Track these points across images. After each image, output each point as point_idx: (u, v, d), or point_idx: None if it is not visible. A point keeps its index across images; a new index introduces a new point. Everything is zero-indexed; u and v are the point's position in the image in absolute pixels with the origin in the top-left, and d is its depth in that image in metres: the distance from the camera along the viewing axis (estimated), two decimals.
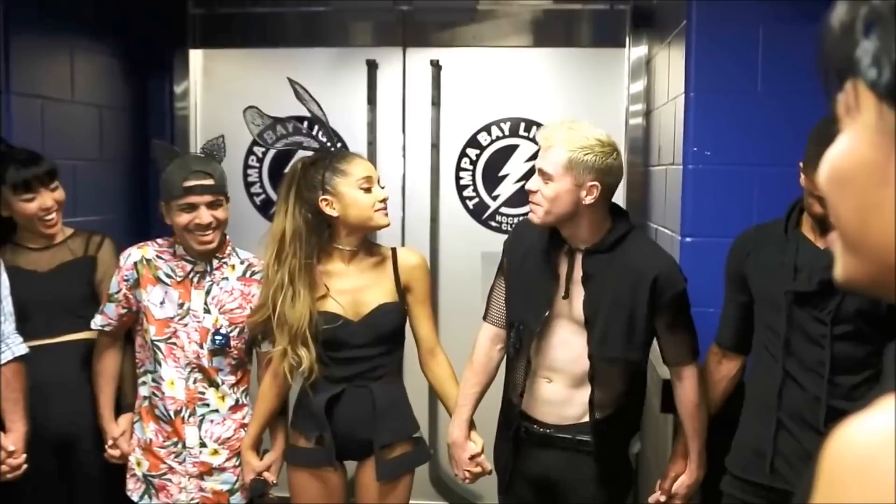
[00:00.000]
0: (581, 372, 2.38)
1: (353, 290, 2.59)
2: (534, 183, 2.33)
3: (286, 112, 4.05)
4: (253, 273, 2.71)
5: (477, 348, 2.60)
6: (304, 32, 4.08)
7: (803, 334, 2.23)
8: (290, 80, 2.81)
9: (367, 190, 2.54)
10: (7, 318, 2.57)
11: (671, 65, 3.23)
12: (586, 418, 2.40)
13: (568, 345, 2.39)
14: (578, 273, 2.37)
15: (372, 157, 3.91)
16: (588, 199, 2.27)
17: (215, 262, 2.67)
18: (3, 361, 2.54)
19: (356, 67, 4.00)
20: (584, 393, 2.39)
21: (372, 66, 3.98)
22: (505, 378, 2.55)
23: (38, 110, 3.21)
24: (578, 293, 2.36)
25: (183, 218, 2.56)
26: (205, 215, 2.56)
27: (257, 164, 4.10)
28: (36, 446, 2.67)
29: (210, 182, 2.57)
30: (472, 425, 2.61)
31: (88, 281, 2.87)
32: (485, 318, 2.61)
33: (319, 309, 2.55)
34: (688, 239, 2.90)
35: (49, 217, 2.78)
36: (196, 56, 4.11)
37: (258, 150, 4.08)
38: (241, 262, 2.72)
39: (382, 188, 2.60)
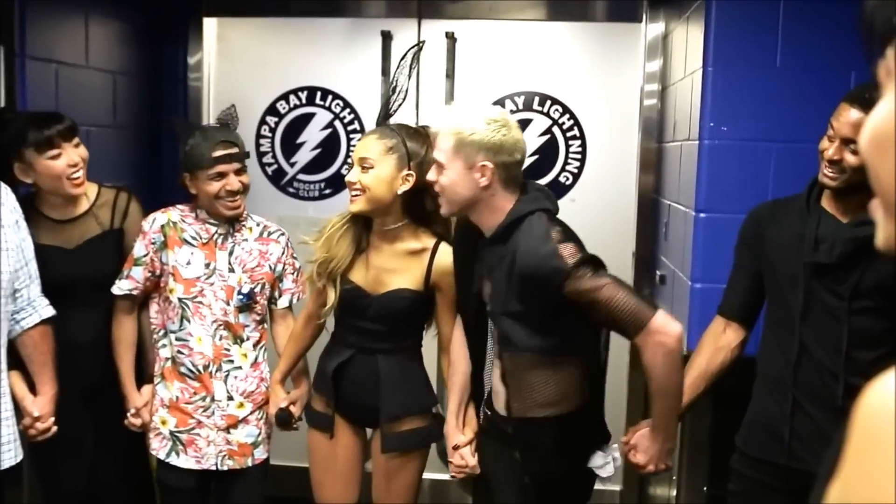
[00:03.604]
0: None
1: (380, 268, 2.61)
2: (431, 174, 2.24)
3: (300, 82, 4.08)
4: (269, 234, 2.84)
5: (454, 338, 2.54)
6: (319, 2, 4.04)
7: (821, 308, 2.20)
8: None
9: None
10: (33, 280, 2.53)
11: (689, 39, 3.20)
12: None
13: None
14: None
15: None
16: (483, 181, 2.13)
17: (236, 225, 2.79)
18: (30, 325, 2.53)
19: (371, 38, 3.97)
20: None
21: (386, 38, 3.96)
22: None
23: (53, 74, 3.20)
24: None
25: (213, 187, 2.67)
26: (234, 182, 2.70)
27: (269, 135, 4.09)
28: (66, 396, 2.66)
29: (236, 150, 2.72)
30: (465, 414, 2.51)
31: (118, 252, 2.84)
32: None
33: (346, 274, 2.61)
34: (702, 214, 2.89)
35: (76, 175, 2.72)
36: (210, 24, 4.09)
37: (271, 121, 4.07)
38: (257, 225, 2.85)
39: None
